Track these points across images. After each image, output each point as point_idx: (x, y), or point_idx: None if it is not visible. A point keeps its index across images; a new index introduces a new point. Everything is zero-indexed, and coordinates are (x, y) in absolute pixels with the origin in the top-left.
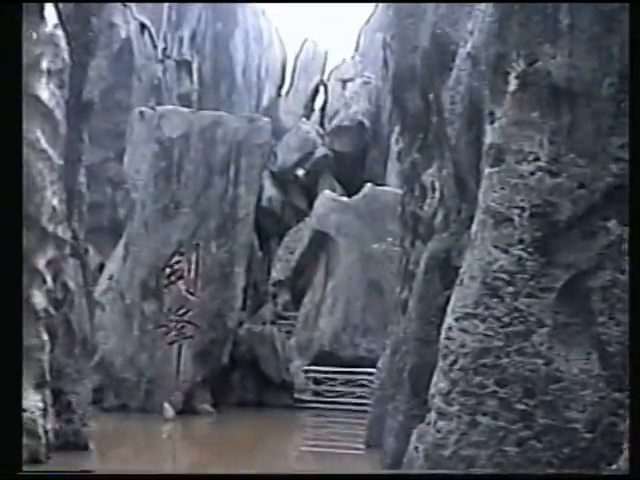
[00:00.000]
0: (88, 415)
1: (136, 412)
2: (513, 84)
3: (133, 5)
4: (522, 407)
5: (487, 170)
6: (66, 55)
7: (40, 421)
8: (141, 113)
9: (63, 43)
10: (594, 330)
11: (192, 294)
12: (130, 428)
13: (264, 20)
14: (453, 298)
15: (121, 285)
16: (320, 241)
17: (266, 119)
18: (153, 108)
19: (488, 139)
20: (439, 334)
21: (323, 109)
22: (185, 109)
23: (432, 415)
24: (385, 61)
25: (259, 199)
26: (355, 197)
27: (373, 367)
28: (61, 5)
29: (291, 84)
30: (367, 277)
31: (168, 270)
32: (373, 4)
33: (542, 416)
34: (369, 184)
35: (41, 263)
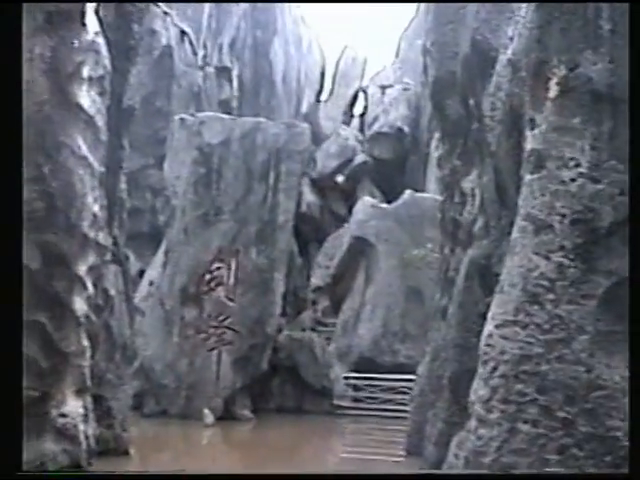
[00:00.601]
0: (128, 421)
1: (176, 418)
2: (554, 90)
3: (173, 12)
4: (563, 415)
5: (527, 176)
6: (107, 62)
7: (81, 427)
8: (181, 120)
9: (104, 50)
10: None
11: (232, 300)
12: (170, 434)
13: (303, 27)
14: (493, 305)
15: (161, 291)
16: (359, 247)
17: (305, 125)
18: (193, 115)
19: (529, 145)
20: (479, 341)
21: (362, 115)
22: (225, 116)
23: (472, 422)
24: (425, 67)
25: (298, 205)
26: (394, 203)
27: (413, 374)
28: (102, 13)
29: (331, 90)
30: (406, 283)
31: (208, 276)
32: (413, 10)
33: (583, 424)
34: (409, 190)
35: (82, 269)
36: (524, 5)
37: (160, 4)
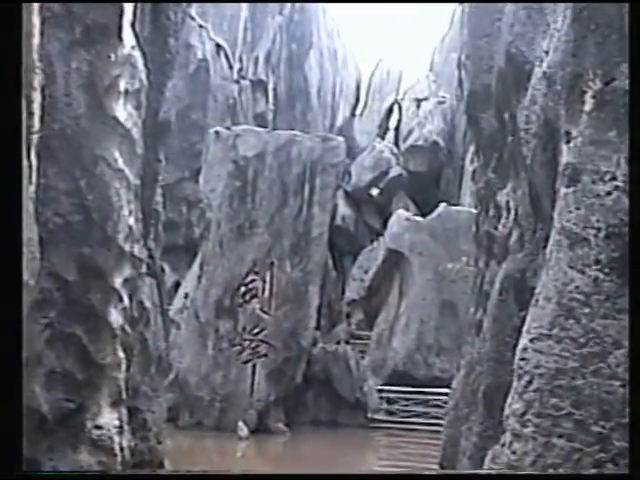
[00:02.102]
0: (163, 433)
1: (210, 430)
2: (590, 103)
3: (209, 26)
4: (598, 429)
5: (563, 190)
6: (143, 76)
7: (116, 438)
8: (217, 133)
9: (140, 64)
10: None
11: (266, 313)
12: (205, 446)
13: (338, 41)
14: (528, 319)
15: (196, 304)
16: (394, 260)
17: (340, 139)
18: (229, 128)
19: (564, 159)
20: (514, 355)
21: (397, 128)
22: (260, 129)
23: (507, 436)
24: (460, 81)
25: (333, 218)
26: (429, 217)
27: (447, 387)
28: (138, 26)
29: (365, 104)
30: (441, 297)
31: (243, 289)
32: (447, 22)
33: (618, 439)
34: (443, 204)
35: (118, 282)
36: (559, 18)
37: (196, 18)
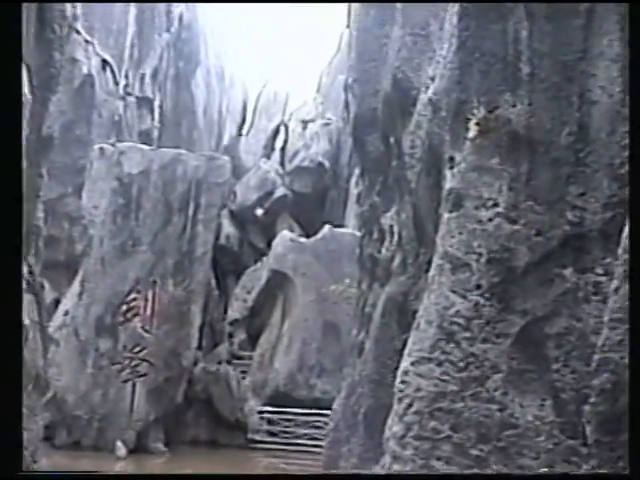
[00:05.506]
0: (39, 452)
1: (88, 450)
2: (473, 130)
3: (95, 41)
4: (476, 452)
5: (446, 215)
6: (27, 90)
7: None
8: (101, 149)
9: (24, 78)
10: (549, 377)
11: (148, 332)
12: (81, 466)
13: (226, 60)
14: (409, 342)
15: (76, 321)
16: (277, 281)
17: (226, 158)
18: (113, 144)
19: (447, 184)
20: (395, 377)
21: (283, 149)
22: (145, 146)
23: (386, 458)
24: (346, 103)
25: (217, 237)
26: (313, 238)
27: (328, 409)
28: (23, 40)
29: (252, 124)
30: (324, 318)
31: (124, 307)
32: (335, 46)
33: (495, 462)
34: (328, 225)
35: None
36: (445, 46)
37: (82, 32)
